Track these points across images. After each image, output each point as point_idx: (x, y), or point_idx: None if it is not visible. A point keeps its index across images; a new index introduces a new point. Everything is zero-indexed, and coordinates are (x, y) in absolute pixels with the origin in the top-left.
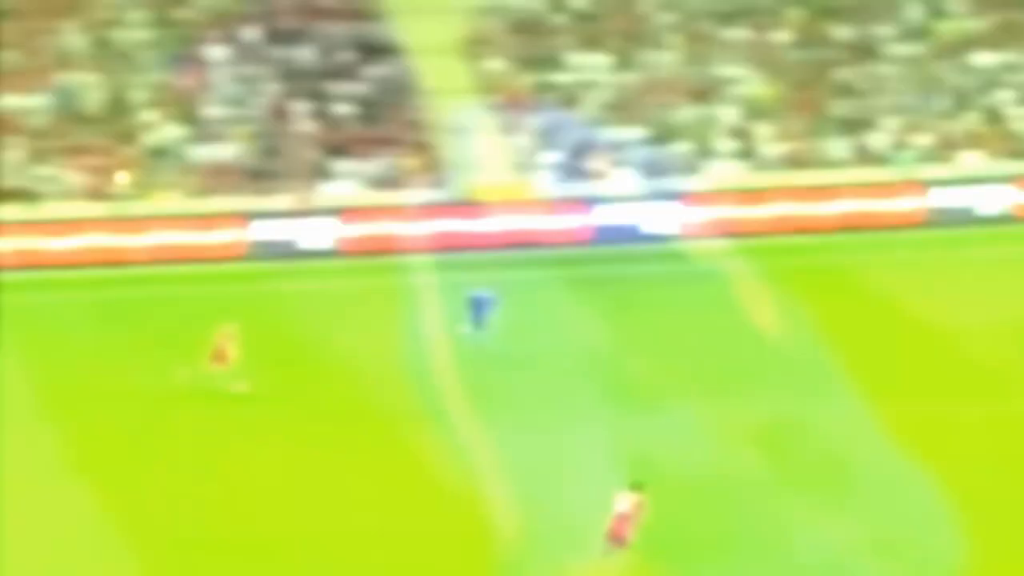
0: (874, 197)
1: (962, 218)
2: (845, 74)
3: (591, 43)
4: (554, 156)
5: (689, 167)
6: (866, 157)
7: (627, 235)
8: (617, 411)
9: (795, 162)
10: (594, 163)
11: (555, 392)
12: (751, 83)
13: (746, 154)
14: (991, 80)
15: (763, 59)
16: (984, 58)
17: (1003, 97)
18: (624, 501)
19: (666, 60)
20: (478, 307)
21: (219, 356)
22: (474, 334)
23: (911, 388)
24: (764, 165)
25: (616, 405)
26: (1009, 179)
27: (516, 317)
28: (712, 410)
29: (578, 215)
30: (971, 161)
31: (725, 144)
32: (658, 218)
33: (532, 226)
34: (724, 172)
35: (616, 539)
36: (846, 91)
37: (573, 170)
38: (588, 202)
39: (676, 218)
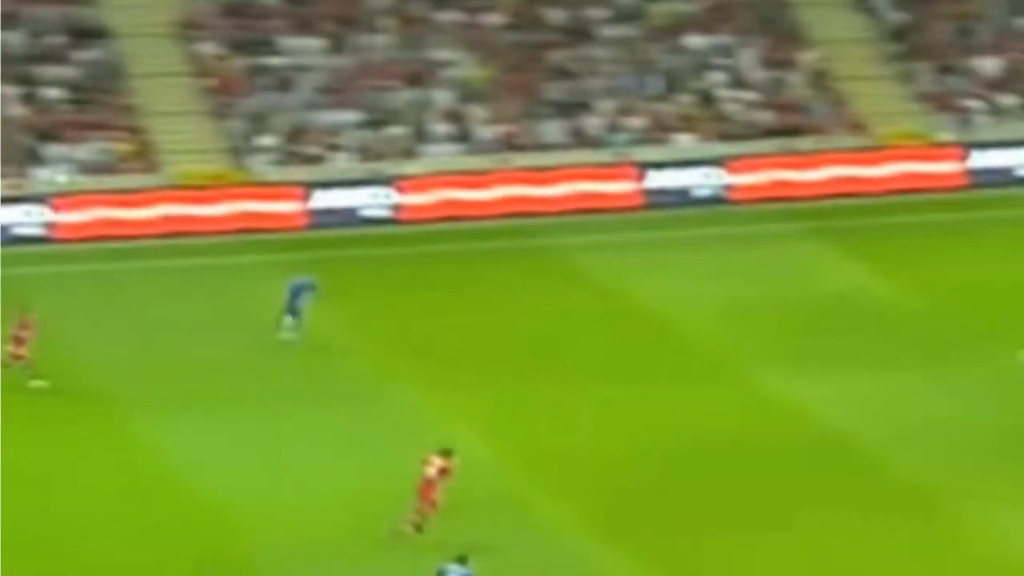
0: (591, 180)
1: (677, 200)
2: (558, 57)
3: (304, 26)
4: (269, 140)
5: (405, 150)
6: (581, 140)
7: (345, 219)
8: (359, 392)
9: (510, 145)
10: (310, 147)
11: (290, 373)
12: (465, 66)
13: (462, 137)
14: (703, 62)
15: (476, 42)
16: (696, 40)
17: (715, 79)
18: (431, 466)
19: (380, 43)
20: (296, 294)
21: (17, 345)
22: (294, 321)
23: (628, 371)
24: (480, 148)
25: (353, 387)
26: (721, 161)
27: (237, 302)
28: (442, 392)
29: (295, 200)
30: (684, 143)
31: (440, 127)
32: (376, 201)
33: (248, 210)
34: (440, 155)
35: (425, 501)
36: (560, 74)
37: (289, 154)
38: (305, 186)
39: (393, 202)
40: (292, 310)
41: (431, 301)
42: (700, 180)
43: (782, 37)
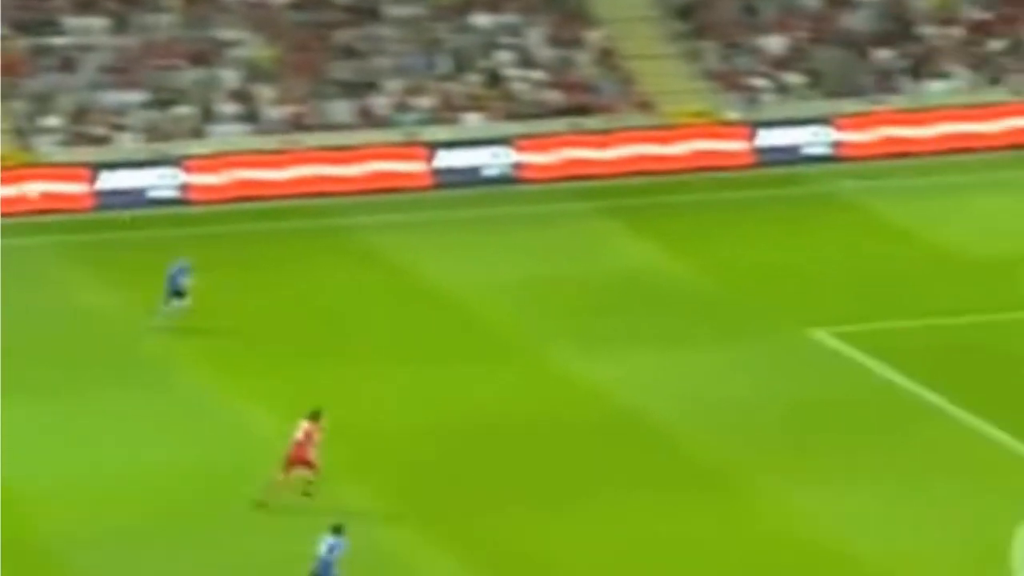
0: (381, 160)
1: (467, 179)
2: (345, 36)
3: (87, 6)
4: (54, 121)
5: (192, 130)
6: (370, 120)
7: (132, 200)
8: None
9: (298, 125)
10: (95, 128)
11: (82, 356)
12: (251, 45)
13: (249, 117)
14: (490, 41)
15: (262, 21)
16: (483, 19)
17: (502, 59)
18: (300, 431)
19: (164, 22)
20: (176, 277)
21: None
22: (176, 304)
23: (422, 351)
24: (267, 128)
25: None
26: (510, 140)
27: (25, 285)
28: (236, 372)
29: (81, 181)
30: (473, 123)
31: (227, 107)
32: (163, 182)
33: (32, 192)
34: (228, 135)
35: (297, 463)
36: (347, 53)
37: (74, 135)
38: (91, 167)
39: (181, 182)
40: (177, 293)
41: (222, 282)
42: (489, 160)
43: (568, 16)
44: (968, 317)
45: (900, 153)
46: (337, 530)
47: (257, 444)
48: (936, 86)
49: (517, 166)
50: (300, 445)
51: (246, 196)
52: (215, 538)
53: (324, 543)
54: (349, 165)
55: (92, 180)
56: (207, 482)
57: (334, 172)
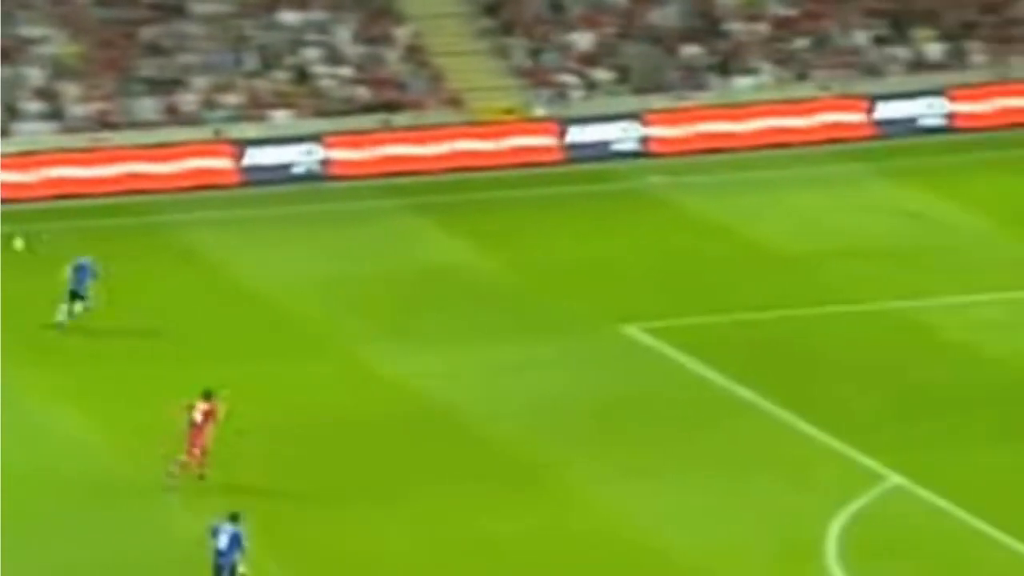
0: (190, 157)
1: (276, 177)
2: (151, 32)
3: None
4: None
5: None
6: (177, 117)
7: None
8: None
9: (104, 123)
10: None
11: None
12: (56, 42)
13: (54, 115)
14: (298, 38)
15: (66, 18)
16: (290, 16)
17: (310, 55)
18: (197, 412)
19: None
20: (80, 274)
21: None
22: (84, 304)
23: (235, 350)
24: (73, 126)
25: None
26: (318, 137)
27: None
28: (49, 371)
29: None
30: (281, 120)
31: (32, 105)
32: None
33: None
34: (34, 133)
35: (194, 447)
36: (153, 50)
37: None
38: None
39: None
40: (76, 294)
41: (33, 283)
42: (298, 157)
43: (376, 13)
44: (778, 312)
45: (710, 149)
46: (235, 518)
47: (67, 443)
48: (743, 82)
49: (326, 163)
50: (198, 427)
51: (55, 195)
52: (18, 539)
53: (223, 533)
54: (159, 163)
55: None
56: (11, 481)
57: (144, 170)
